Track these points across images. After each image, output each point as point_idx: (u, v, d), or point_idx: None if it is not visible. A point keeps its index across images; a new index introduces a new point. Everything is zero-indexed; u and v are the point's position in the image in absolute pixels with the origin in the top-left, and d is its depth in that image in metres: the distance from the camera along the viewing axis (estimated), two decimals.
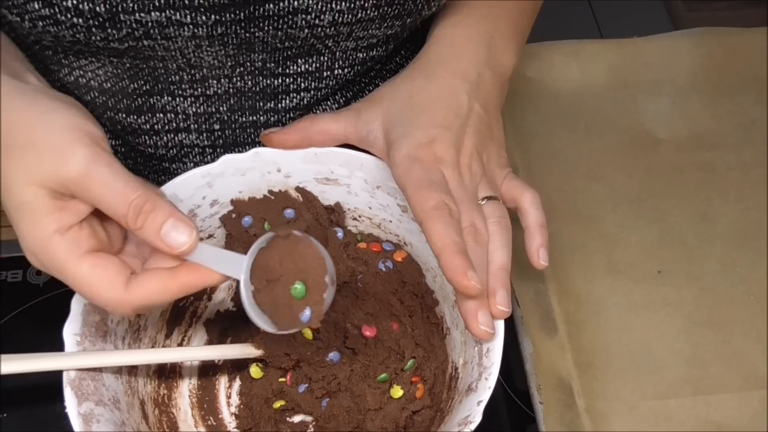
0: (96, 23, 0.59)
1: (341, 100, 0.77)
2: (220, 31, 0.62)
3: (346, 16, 0.64)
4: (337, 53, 0.70)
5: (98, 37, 0.60)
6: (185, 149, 0.75)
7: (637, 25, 1.28)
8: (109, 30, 0.60)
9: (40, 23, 0.59)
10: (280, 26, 0.63)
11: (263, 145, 0.77)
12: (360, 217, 0.70)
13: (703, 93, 0.92)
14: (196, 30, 0.62)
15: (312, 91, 0.73)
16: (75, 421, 0.54)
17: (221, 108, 0.72)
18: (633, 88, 0.93)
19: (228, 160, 0.65)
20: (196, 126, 0.73)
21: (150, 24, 0.60)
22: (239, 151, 0.75)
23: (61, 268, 0.52)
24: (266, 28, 0.63)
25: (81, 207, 0.53)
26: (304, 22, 0.64)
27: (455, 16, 0.69)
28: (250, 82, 0.70)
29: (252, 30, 0.63)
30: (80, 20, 0.58)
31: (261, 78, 0.70)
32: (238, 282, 0.55)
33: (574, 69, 0.94)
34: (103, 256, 0.53)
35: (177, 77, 0.69)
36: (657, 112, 0.91)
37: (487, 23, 0.69)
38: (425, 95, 0.65)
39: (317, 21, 0.64)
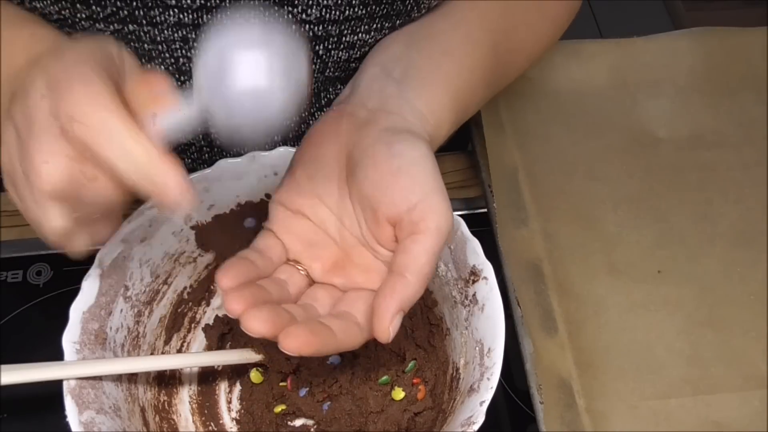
0: None
1: (339, 88, 0.77)
2: (206, 19, 0.63)
3: (333, 12, 0.64)
4: (329, 63, 0.70)
5: (83, 15, 0.61)
6: (182, 146, 0.76)
7: (637, 25, 1.28)
8: (94, 7, 0.60)
9: None
10: (266, 19, 0.63)
11: (261, 148, 0.77)
12: None
13: (703, 93, 0.92)
14: (181, 15, 0.62)
15: None
16: (76, 430, 0.54)
17: None
18: (633, 88, 0.93)
19: (223, 164, 0.66)
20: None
21: (135, 4, 0.60)
22: (237, 152, 0.75)
23: (113, 104, 0.46)
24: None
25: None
26: (290, 16, 0.64)
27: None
28: None
29: None
30: None
31: None
32: None
33: (574, 69, 0.94)
34: None
35: None
36: (657, 112, 0.91)
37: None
38: None
39: (304, 16, 0.64)
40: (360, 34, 0.67)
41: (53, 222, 0.49)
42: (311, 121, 0.77)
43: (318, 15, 0.64)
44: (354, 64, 0.71)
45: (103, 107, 0.45)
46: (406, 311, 0.52)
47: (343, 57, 0.69)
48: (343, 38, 0.67)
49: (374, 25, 0.66)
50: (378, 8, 0.64)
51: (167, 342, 0.69)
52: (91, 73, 0.46)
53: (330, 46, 0.67)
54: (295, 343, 0.51)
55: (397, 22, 0.67)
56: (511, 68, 0.72)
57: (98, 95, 0.45)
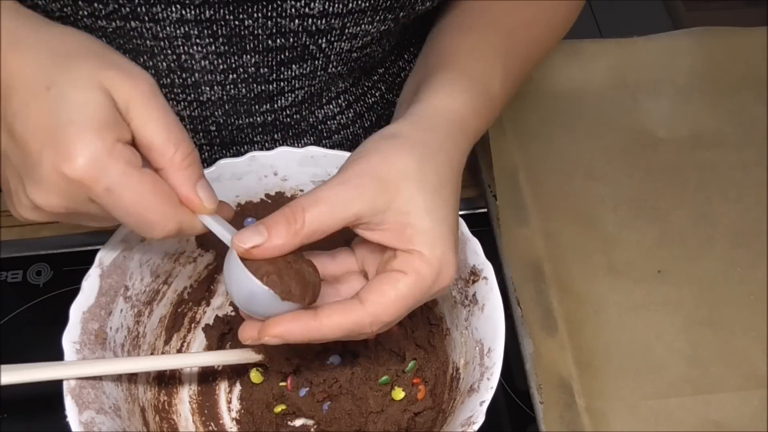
0: None
1: (341, 86, 0.77)
2: (209, 15, 0.63)
3: (336, 5, 0.63)
4: (332, 56, 0.70)
5: (85, 12, 0.61)
6: None
7: (637, 24, 1.28)
8: (96, 4, 0.60)
9: None
10: (269, 14, 0.63)
11: (261, 146, 0.77)
12: None
13: (703, 93, 0.92)
14: (183, 11, 0.62)
15: (305, 88, 0.73)
16: (76, 430, 0.54)
17: (216, 113, 0.72)
18: (633, 88, 0.93)
19: (223, 164, 0.66)
20: (191, 126, 0.73)
21: (137, 1, 0.60)
22: (237, 150, 0.75)
23: (123, 178, 0.48)
24: (255, 15, 0.63)
25: (128, 131, 0.49)
26: (293, 10, 0.63)
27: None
28: (244, 89, 0.70)
29: (241, 17, 0.63)
30: None
31: (255, 85, 0.70)
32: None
33: (574, 69, 0.94)
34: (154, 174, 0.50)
35: (168, 80, 0.69)
36: (657, 111, 0.91)
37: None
38: None
39: (307, 9, 0.63)
40: (363, 26, 0.66)
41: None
42: (310, 119, 0.77)
43: (321, 9, 0.63)
44: (356, 54, 0.71)
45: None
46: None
47: (345, 47, 0.69)
48: (346, 30, 0.66)
49: (377, 17, 0.66)
50: (382, 1, 0.64)
51: (167, 342, 0.68)
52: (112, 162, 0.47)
53: (333, 39, 0.67)
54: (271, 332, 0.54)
55: (401, 14, 0.66)
56: (531, 60, 0.72)
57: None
